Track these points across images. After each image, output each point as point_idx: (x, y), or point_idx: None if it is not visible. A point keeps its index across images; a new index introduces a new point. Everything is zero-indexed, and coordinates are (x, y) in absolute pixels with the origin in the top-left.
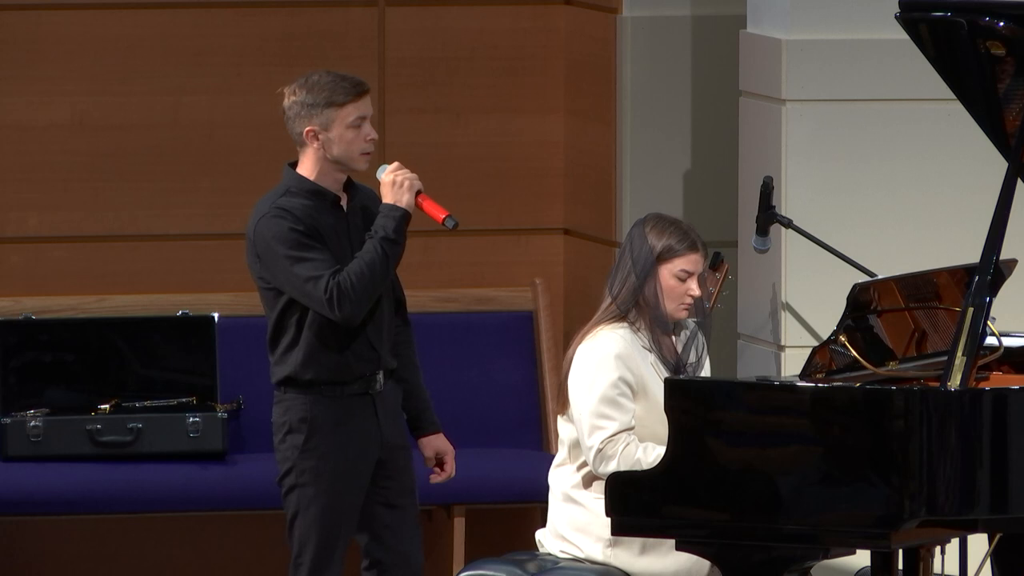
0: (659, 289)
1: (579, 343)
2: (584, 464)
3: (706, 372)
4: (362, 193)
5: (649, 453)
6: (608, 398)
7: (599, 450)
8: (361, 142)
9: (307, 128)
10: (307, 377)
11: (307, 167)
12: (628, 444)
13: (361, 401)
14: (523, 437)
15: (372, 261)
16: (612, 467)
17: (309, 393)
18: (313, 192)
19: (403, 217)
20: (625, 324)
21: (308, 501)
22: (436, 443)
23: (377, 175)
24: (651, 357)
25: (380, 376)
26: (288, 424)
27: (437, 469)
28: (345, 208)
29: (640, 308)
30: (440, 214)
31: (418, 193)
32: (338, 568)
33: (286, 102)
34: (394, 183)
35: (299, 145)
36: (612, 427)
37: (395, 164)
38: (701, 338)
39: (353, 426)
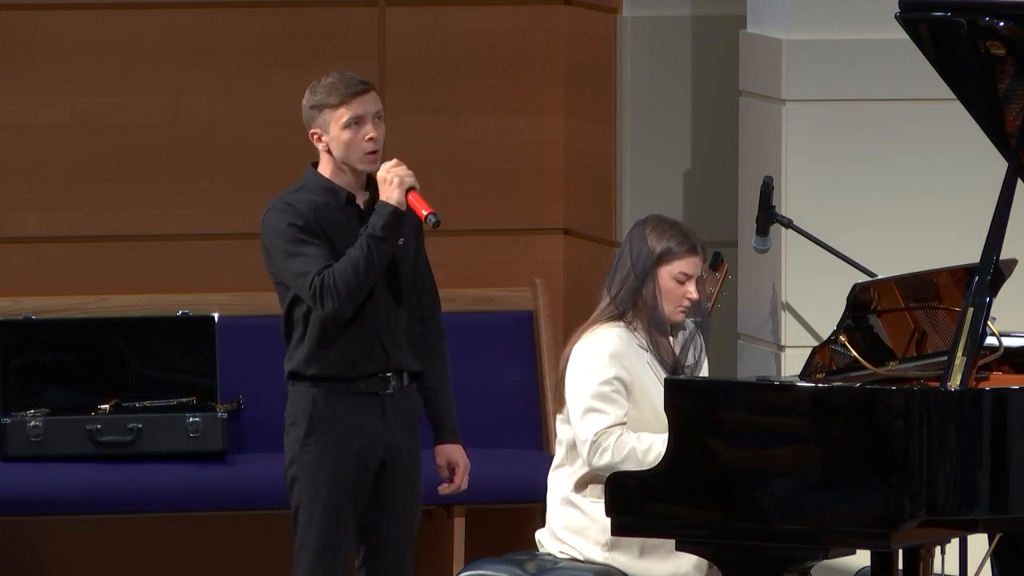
0: (657, 291)
1: (575, 341)
2: (581, 467)
3: (704, 374)
4: None
5: (643, 440)
6: (602, 394)
7: (593, 441)
8: (360, 143)
9: (311, 131)
10: (310, 373)
11: (324, 167)
12: (621, 435)
13: (369, 400)
14: (523, 437)
15: (356, 258)
16: (607, 459)
17: (315, 387)
18: (327, 189)
19: (392, 214)
20: (622, 323)
21: (307, 495)
22: (449, 452)
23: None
24: (647, 357)
25: (394, 378)
26: (292, 416)
27: (448, 481)
28: (363, 207)
29: (638, 309)
30: (424, 211)
31: (410, 190)
32: (340, 566)
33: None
34: (386, 180)
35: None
36: (607, 420)
37: (393, 161)
38: (700, 340)
39: (356, 423)
